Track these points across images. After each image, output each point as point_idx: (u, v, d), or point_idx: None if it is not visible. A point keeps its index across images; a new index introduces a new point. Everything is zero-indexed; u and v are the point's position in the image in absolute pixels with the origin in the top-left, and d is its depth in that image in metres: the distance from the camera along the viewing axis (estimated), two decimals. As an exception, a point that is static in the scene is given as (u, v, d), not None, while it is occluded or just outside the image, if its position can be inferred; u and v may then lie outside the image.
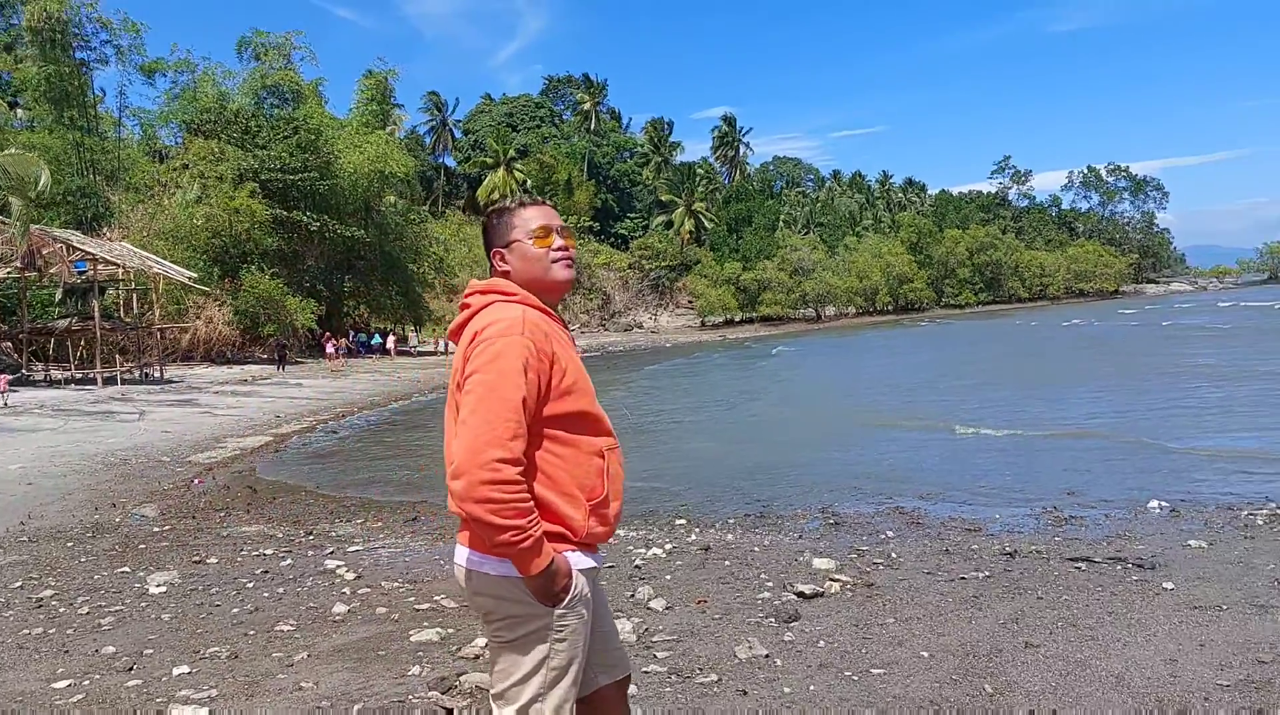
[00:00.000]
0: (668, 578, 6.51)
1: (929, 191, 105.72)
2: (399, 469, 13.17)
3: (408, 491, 11.28)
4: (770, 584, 6.17)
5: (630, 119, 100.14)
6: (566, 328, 2.59)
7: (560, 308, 2.71)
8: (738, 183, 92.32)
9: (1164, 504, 7.99)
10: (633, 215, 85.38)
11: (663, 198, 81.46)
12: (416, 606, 5.79)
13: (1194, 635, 4.71)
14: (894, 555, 6.77)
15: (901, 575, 6.18)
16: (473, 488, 2.23)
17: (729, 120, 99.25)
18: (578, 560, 2.42)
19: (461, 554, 2.46)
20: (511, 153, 76.51)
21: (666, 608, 5.75)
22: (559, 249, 2.54)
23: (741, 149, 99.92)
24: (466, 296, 2.57)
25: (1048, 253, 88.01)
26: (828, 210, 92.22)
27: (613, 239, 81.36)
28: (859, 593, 5.79)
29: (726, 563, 6.86)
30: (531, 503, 2.28)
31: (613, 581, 6.47)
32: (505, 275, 2.55)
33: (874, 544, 7.25)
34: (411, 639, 5.07)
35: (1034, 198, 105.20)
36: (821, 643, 4.90)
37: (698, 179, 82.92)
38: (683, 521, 8.76)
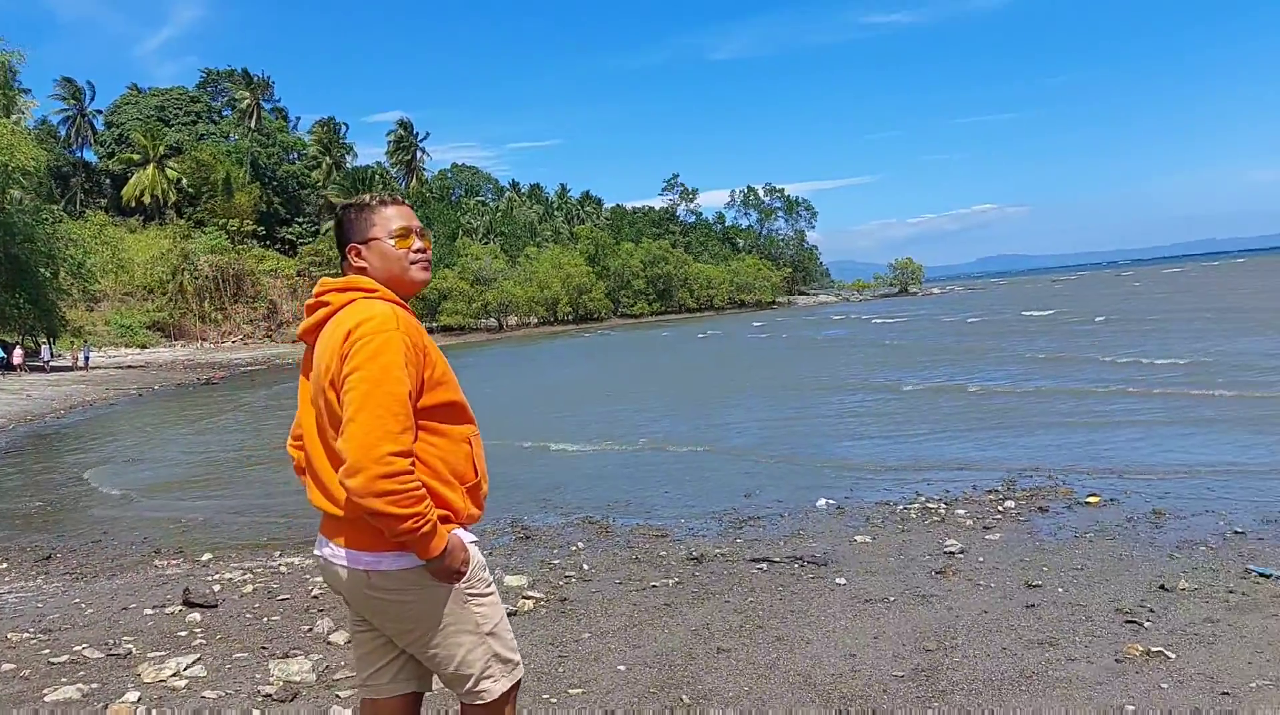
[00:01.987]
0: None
1: (605, 205, 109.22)
2: (29, 500, 11.60)
3: (39, 527, 9.93)
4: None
5: (299, 119, 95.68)
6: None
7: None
8: (415, 189, 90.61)
9: (830, 501, 8.52)
10: (301, 219, 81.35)
11: (335, 201, 78.26)
12: (52, 660, 5.02)
13: (868, 628, 4.98)
14: (585, 566, 6.73)
15: (594, 587, 6.14)
16: (371, 482, 2.26)
17: (405, 125, 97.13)
18: (464, 536, 2.51)
19: (347, 556, 2.45)
20: (163, 149, 70.55)
21: (348, 641, 5.35)
22: (418, 251, 2.60)
23: (419, 155, 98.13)
24: (320, 295, 2.57)
25: (713, 266, 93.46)
26: (508, 220, 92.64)
27: (280, 244, 77.12)
28: (552, 609, 5.68)
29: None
30: (424, 490, 2.35)
31: (287, 614, 5.99)
32: (361, 272, 2.58)
33: (565, 556, 7.18)
34: (47, 698, 4.38)
35: (700, 214, 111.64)
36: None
37: (373, 183, 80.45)
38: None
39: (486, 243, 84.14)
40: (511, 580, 6.40)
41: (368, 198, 2.63)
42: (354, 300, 2.50)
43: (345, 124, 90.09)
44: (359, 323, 2.39)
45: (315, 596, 6.39)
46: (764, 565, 6.44)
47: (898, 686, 4.17)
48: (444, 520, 2.44)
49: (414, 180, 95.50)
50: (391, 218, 2.58)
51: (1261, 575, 5.41)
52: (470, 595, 2.51)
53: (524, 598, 5.91)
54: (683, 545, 7.29)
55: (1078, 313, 42.40)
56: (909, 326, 45.99)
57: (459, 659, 2.52)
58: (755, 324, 56.87)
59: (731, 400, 18.10)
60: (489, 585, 2.59)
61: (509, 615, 5.51)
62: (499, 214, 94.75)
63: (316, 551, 2.59)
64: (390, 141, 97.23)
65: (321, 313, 2.54)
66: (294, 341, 62.59)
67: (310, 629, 5.57)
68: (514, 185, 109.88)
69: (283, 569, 7.41)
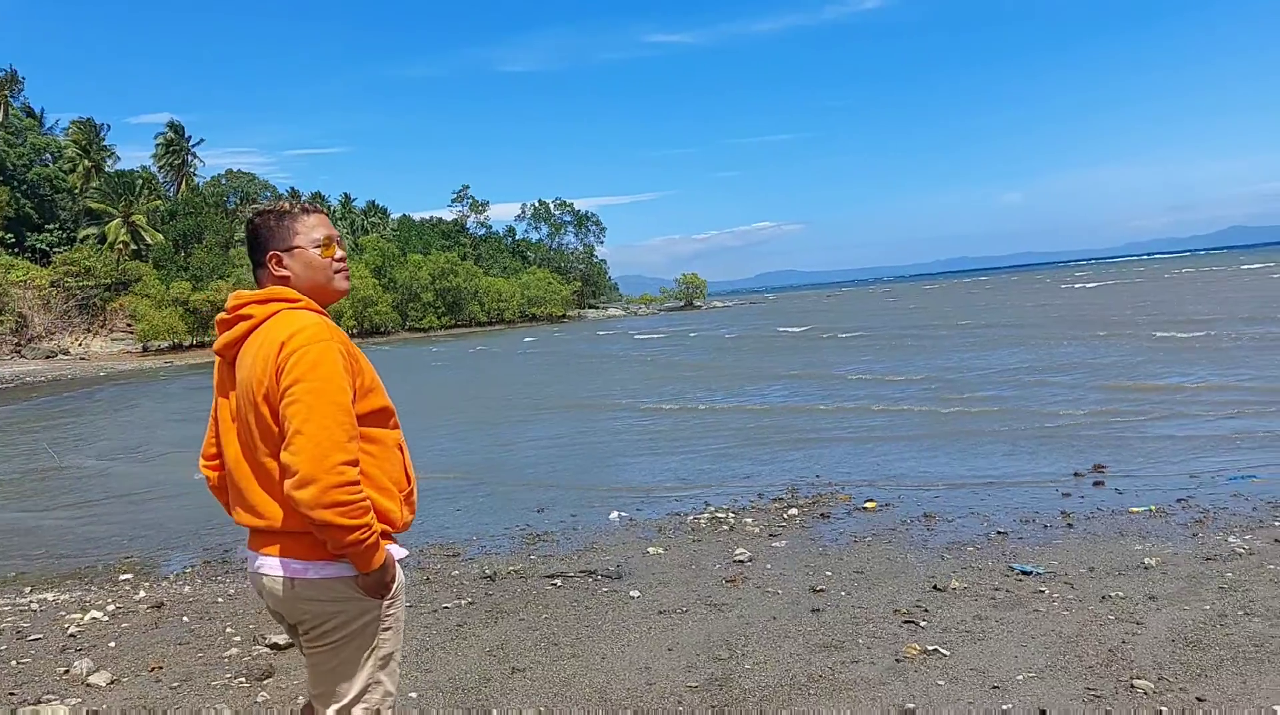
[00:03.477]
0: (112, 645, 5.63)
1: (392, 216, 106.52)
2: None
3: None
4: (239, 638, 5.57)
5: (58, 120, 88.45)
6: None
7: None
8: (185, 196, 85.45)
9: (623, 514, 8.56)
10: (54, 226, 75.06)
11: (93, 207, 72.66)
12: None
13: (662, 640, 5.00)
14: (374, 591, 6.45)
15: (383, 612, 5.89)
16: (324, 493, 2.24)
17: (176, 127, 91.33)
18: (396, 551, 2.50)
19: (277, 564, 2.42)
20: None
21: (112, 681, 4.94)
22: (340, 259, 2.56)
23: (191, 160, 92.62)
24: (238, 308, 2.49)
25: (504, 279, 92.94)
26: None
27: (30, 252, 70.83)
28: (339, 637, 5.41)
29: (185, 619, 6.10)
30: (370, 501, 2.34)
31: (40, 656, 5.47)
32: (283, 281, 2.51)
33: (351, 580, 6.86)
34: None
35: (490, 227, 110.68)
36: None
37: (139, 189, 75.30)
38: (128, 576, 7.65)
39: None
40: (293, 609, 6.05)
41: (287, 204, 2.56)
42: (279, 312, 2.44)
43: (107, 124, 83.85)
44: (291, 334, 2.34)
45: (72, 635, 5.86)
46: (558, 581, 6.38)
47: (691, 698, 4.20)
48: (382, 533, 2.43)
49: (184, 186, 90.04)
50: (314, 225, 2.53)
51: (1023, 572, 5.81)
52: (387, 616, 2.49)
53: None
54: (475, 564, 7.13)
55: (829, 328, 44.31)
56: (668, 342, 45.65)
57: (349, 677, 2.47)
58: (527, 339, 56.55)
59: (512, 418, 17.88)
60: (400, 615, 2.55)
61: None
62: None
63: (249, 569, 2.55)
64: (159, 144, 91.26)
65: (243, 327, 2.47)
66: (48, 357, 57.67)
67: (67, 671, 5.12)
68: (294, 193, 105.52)
69: (34, 606, 6.77)
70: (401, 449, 2.56)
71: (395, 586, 2.48)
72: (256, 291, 2.52)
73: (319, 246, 2.52)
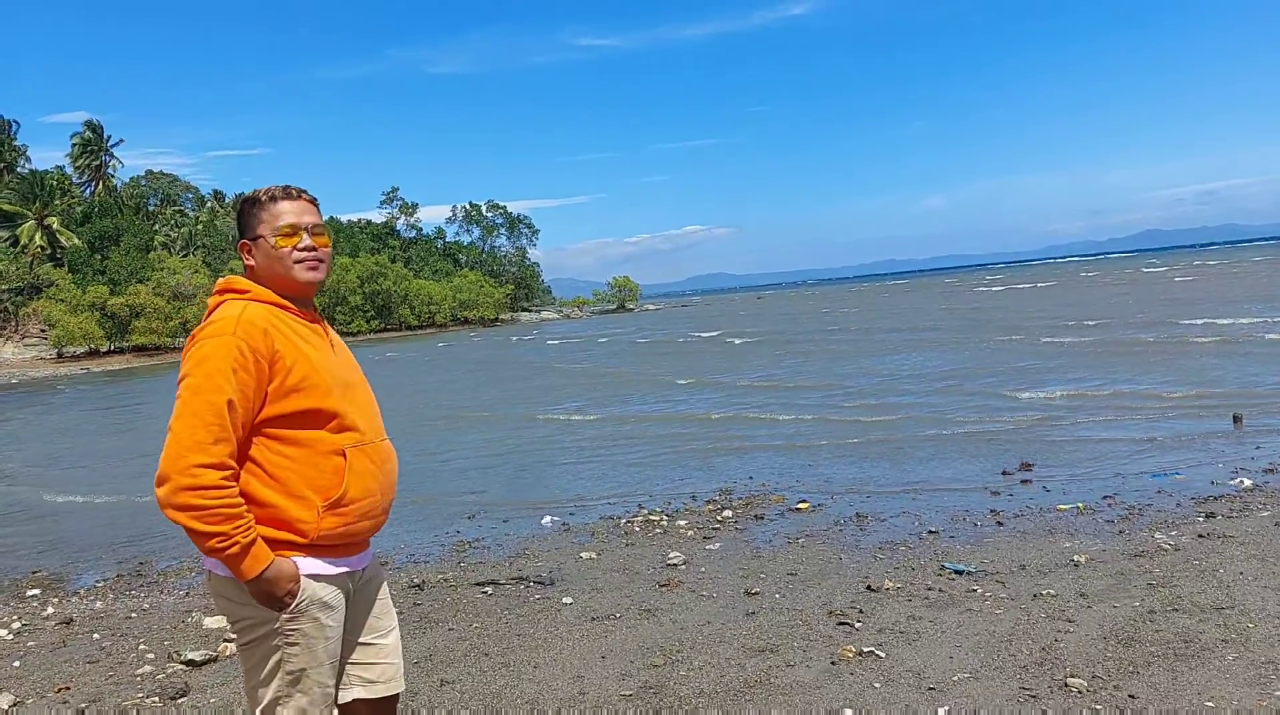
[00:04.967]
0: (16, 664, 5.38)
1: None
2: None
3: None
4: (152, 655, 5.35)
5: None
6: (321, 323, 2.56)
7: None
8: (102, 197, 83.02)
9: (555, 519, 8.43)
10: (-40, 227, 72.46)
11: (5, 209, 70.24)
12: None
13: (596, 648, 4.90)
14: (297, 602, 6.24)
15: (306, 624, 5.69)
16: (174, 494, 2.20)
17: (94, 127, 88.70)
18: (310, 566, 2.38)
19: (204, 559, 2.40)
20: None
21: (15, 704, 4.71)
22: (304, 249, 2.47)
23: (109, 161, 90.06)
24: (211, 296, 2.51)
25: (435, 282, 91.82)
26: (211, 231, 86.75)
27: (-62, 255, 68.27)
28: (259, 651, 5.20)
29: (95, 636, 5.84)
30: (240, 507, 2.26)
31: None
32: (251, 270, 2.51)
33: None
34: None
35: (421, 229, 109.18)
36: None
37: (53, 190, 72.95)
38: (36, 591, 7.31)
39: (186, 256, 78.44)
40: (211, 622, 5.84)
41: (261, 192, 2.51)
42: (224, 302, 2.44)
43: (16, 122, 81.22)
44: (202, 326, 2.36)
45: (-30, 656, 5.55)
46: (489, 589, 6.24)
47: (625, 706, 4.10)
48: (285, 543, 2.36)
49: (101, 187, 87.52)
50: (281, 213, 2.48)
51: (956, 571, 5.82)
52: (290, 630, 2.37)
53: (225, 640, 5.39)
54: (403, 572, 6.94)
55: (752, 333, 44.16)
56: (581, 346, 44.77)
57: (263, 684, 2.42)
58: (439, 345, 55.75)
59: (436, 427, 17.51)
60: (321, 628, 2.41)
61: (208, 662, 5.02)
62: (200, 225, 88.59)
63: None
64: (75, 144, 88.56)
65: (205, 316, 2.45)
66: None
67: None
68: (217, 195, 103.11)
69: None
70: (346, 455, 2.41)
71: (300, 601, 2.36)
72: (224, 279, 2.53)
73: (279, 235, 2.46)
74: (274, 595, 2.32)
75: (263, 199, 2.50)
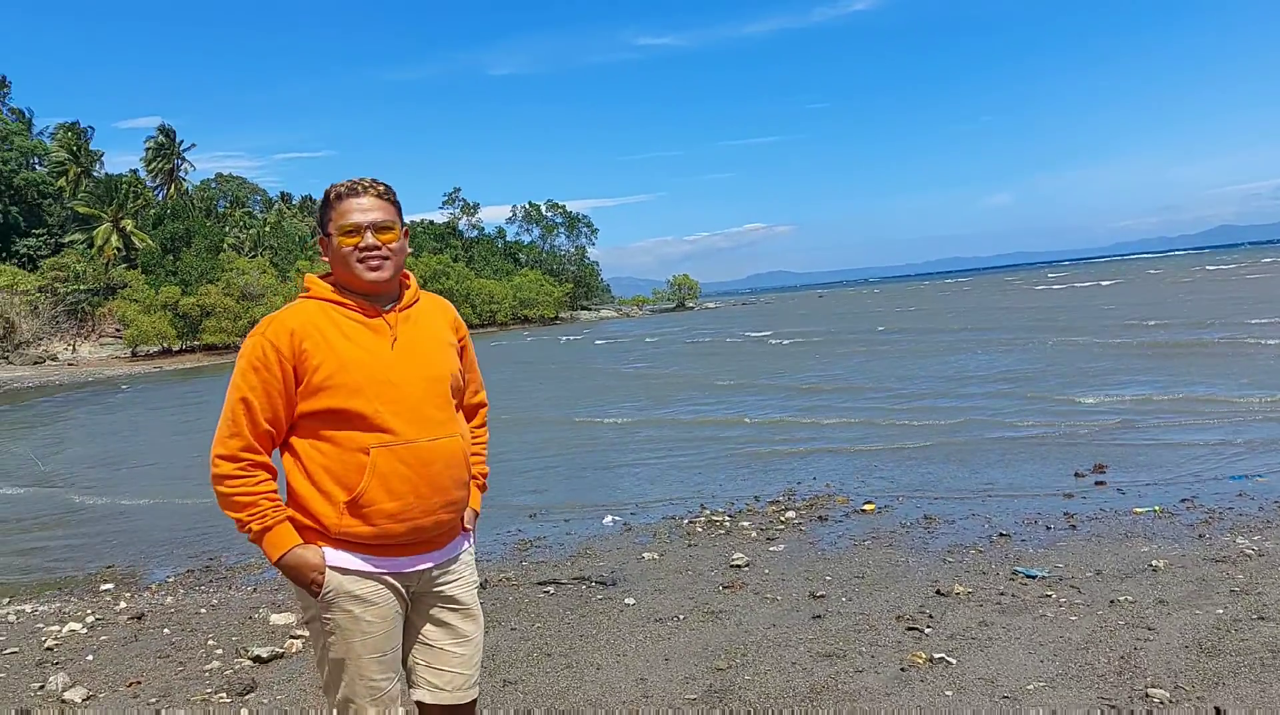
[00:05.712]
0: (90, 658, 5.47)
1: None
2: None
3: None
4: (221, 651, 5.40)
5: (48, 125, 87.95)
6: (384, 316, 2.51)
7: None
8: (174, 200, 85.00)
9: (617, 519, 8.39)
10: (41, 231, 74.55)
11: (82, 212, 72.18)
12: None
13: (659, 650, 4.84)
14: (361, 600, 6.28)
15: (371, 622, 5.72)
16: (211, 480, 2.42)
17: (167, 132, 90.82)
18: (337, 558, 2.43)
19: None
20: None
21: (88, 697, 4.78)
22: (365, 248, 2.47)
23: (180, 164, 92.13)
24: None
25: (495, 281, 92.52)
26: (278, 233, 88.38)
27: (17, 258, 70.33)
28: (325, 649, 5.23)
29: (166, 631, 5.93)
30: (255, 496, 2.39)
31: (15, 670, 5.32)
32: (329, 264, 2.58)
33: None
34: None
35: (482, 229, 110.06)
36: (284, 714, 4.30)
37: (127, 193, 74.77)
38: (109, 586, 7.46)
39: (254, 256, 79.94)
40: (278, 618, 5.89)
41: (332, 189, 2.54)
42: (295, 300, 2.55)
43: (91, 128, 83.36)
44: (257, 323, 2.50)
45: (49, 648, 5.69)
46: (551, 588, 6.22)
47: (690, 710, 4.04)
48: (314, 532, 2.44)
49: (173, 190, 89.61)
50: (345, 212, 2.49)
51: (1028, 576, 5.66)
52: (325, 618, 2.46)
53: (292, 637, 5.44)
54: (466, 571, 6.94)
55: (796, 331, 43.70)
56: (631, 346, 44.24)
57: (318, 668, 2.58)
58: (492, 344, 55.93)
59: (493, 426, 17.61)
60: (355, 621, 2.45)
61: (275, 659, 5.06)
62: (267, 227, 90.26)
63: None
64: (149, 149, 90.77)
65: None
66: (36, 363, 57.26)
67: (42, 686, 4.98)
68: (284, 197, 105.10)
69: (11, 618, 6.60)
70: (370, 453, 2.41)
71: (327, 592, 2.44)
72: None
73: (342, 233, 2.48)
74: (299, 582, 2.43)
75: (331, 197, 2.52)
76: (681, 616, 5.38)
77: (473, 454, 2.74)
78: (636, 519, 8.43)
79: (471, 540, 2.75)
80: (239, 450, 2.39)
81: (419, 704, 2.62)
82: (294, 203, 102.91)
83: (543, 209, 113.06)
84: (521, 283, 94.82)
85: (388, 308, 2.54)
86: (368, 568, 2.46)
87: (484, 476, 2.87)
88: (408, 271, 2.66)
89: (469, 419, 2.82)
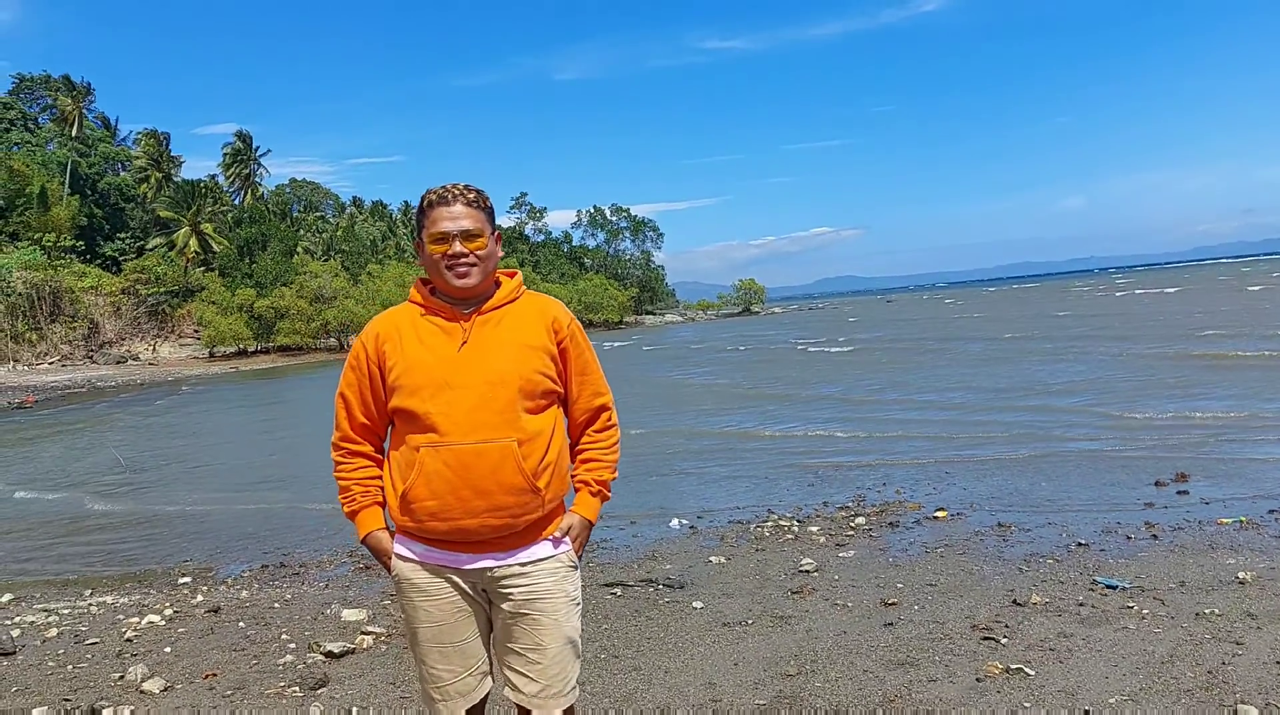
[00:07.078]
0: (167, 650, 5.58)
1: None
2: None
3: None
4: (294, 645, 5.48)
5: (131, 131, 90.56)
6: (468, 320, 2.55)
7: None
8: (250, 204, 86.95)
9: (684, 522, 8.35)
10: (124, 234, 76.83)
11: (163, 215, 74.24)
12: None
13: (727, 654, 4.80)
14: (430, 598, 6.33)
15: (440, 620, 5.76)
16: None
17: (244, 137, 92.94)
18: (401, 546, 2.63)
19: None
20: (-31, 157, 65.32)
21: (166, 688, 4.87)
22: (451, 256, 2.52)
23: (257, 169, 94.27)
24: None
25: (561, 285, 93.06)
26: (349, 237, 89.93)
27: (102, 260, 72.57)
28: (395, 646, 5.29)
29: (241, 624, 6.03)
30: (347, 481, 2.66)
31: (96, 661, 5.44)
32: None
33: (408, 587, 6.75)
34: None
35: (549, 233, 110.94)
36: (354, 710, 4.34)
37: (205, 198, 76.70)
38: (187, 580, 7.63)
39: (326, 260, 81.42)
40: (350, 614, 5.96)
41: (424, 197, 2.59)
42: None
43: (167, 134, 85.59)
44: None
45: (129, 640, 5.82)
46: (618, 590, 6.21)
47: (761, 717, 3.99)
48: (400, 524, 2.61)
49: (249, 195, 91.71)
50: (434, 220, 2.54)
51: (1108, 586, 5.50)
52: (398, 598, 2.71)
53: (363, 633, 5.50)
54: (533, 572, 6.96)
55: (863, 338, 43.39)
56: (687, 353, 43.81)
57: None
58: None
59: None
60: (415, 609, 2.62)
61: (346, 654, 5.12)
62: (339, 231, 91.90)
63: None
64: (226, 154, 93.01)
65: None
66: (119, 362, 58.93)
67: (122, 676, 5.07)
68: (355, 202, 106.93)
69: (94, 609, 6.76)
70: (420, 451, 2.48)
71: (394, 575, 2.64)
72: None
73: (432, 241, 2.55)
74: (378, 560, 2.69)
75: (424, 204, 2.58)
76: (750, 621, 5.32)
77: (588, 460, 2.72)
78: (703, 523, 8.38)
79: (562, 548, 2.63)
80: (338, 440, 2.67)
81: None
82: (365, 207, 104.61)
83: (608, 213, 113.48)
84: (586, 287, 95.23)
85: (470, 310, 2.56)
86: (423, 558, 2.59)
87: (600, 484, 2.73)
88: (510, 271, 2.72)
89: (588, 424, 2.75)
